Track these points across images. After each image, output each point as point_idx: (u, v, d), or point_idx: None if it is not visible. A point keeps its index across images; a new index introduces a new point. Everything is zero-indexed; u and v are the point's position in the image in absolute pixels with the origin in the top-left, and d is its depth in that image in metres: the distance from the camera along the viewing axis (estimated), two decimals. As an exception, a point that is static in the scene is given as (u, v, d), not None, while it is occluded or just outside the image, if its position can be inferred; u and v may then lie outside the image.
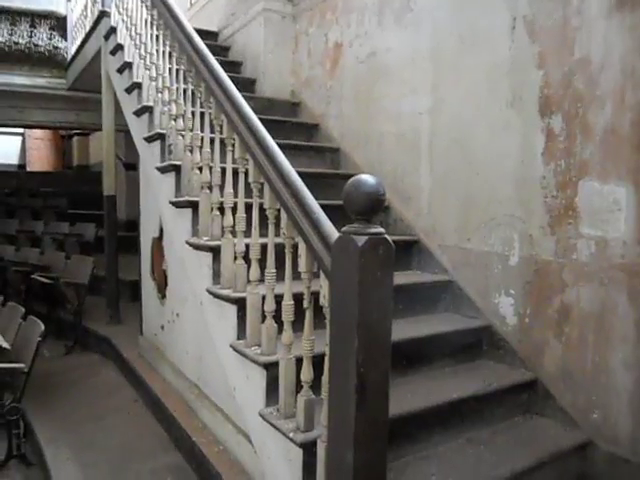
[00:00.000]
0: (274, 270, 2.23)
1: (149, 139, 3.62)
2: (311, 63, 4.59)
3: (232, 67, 5.01)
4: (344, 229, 1.59)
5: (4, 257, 6.36)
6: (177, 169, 3.14)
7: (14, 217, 8.50)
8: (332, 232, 1.77)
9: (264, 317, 2.28)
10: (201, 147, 2.91)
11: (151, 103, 3.63)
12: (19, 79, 7.29)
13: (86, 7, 6.13)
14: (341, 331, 1.60)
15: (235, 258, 2.52)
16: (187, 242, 2.94)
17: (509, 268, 2.93)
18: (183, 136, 3.11)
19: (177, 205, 3.11)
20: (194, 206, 2.92)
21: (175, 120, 3.21)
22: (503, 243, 2.95)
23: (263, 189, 2.23)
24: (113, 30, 4.63)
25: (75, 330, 5.29)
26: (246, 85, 4.75)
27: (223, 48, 5.34)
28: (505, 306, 2.97)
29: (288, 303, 2.10)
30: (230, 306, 2.53)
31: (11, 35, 7.06)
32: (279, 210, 2.12)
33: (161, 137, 3.43)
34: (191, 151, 3.00)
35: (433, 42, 3.39)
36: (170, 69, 3.33)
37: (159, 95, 3.48)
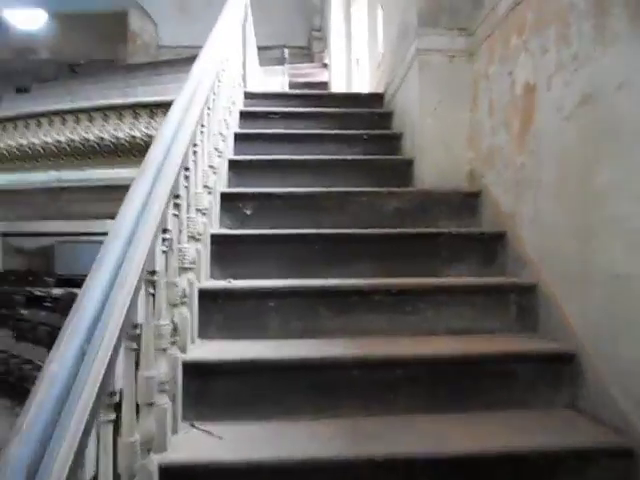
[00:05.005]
0: None
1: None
2: (493, 123, 2.72)
3: (392, 144, 3.44)
4: None
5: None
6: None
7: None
8: None
9: None
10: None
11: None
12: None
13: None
14: None
15: None
16: None
17: None
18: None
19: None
20: None
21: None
22: None
23: None
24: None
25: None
26: (401, 170, 3.11)
27: (383, 116, 3.79)
28: None
29: None
30: None
31: (147, 129, 6.53)
32: None
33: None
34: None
35: None
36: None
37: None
